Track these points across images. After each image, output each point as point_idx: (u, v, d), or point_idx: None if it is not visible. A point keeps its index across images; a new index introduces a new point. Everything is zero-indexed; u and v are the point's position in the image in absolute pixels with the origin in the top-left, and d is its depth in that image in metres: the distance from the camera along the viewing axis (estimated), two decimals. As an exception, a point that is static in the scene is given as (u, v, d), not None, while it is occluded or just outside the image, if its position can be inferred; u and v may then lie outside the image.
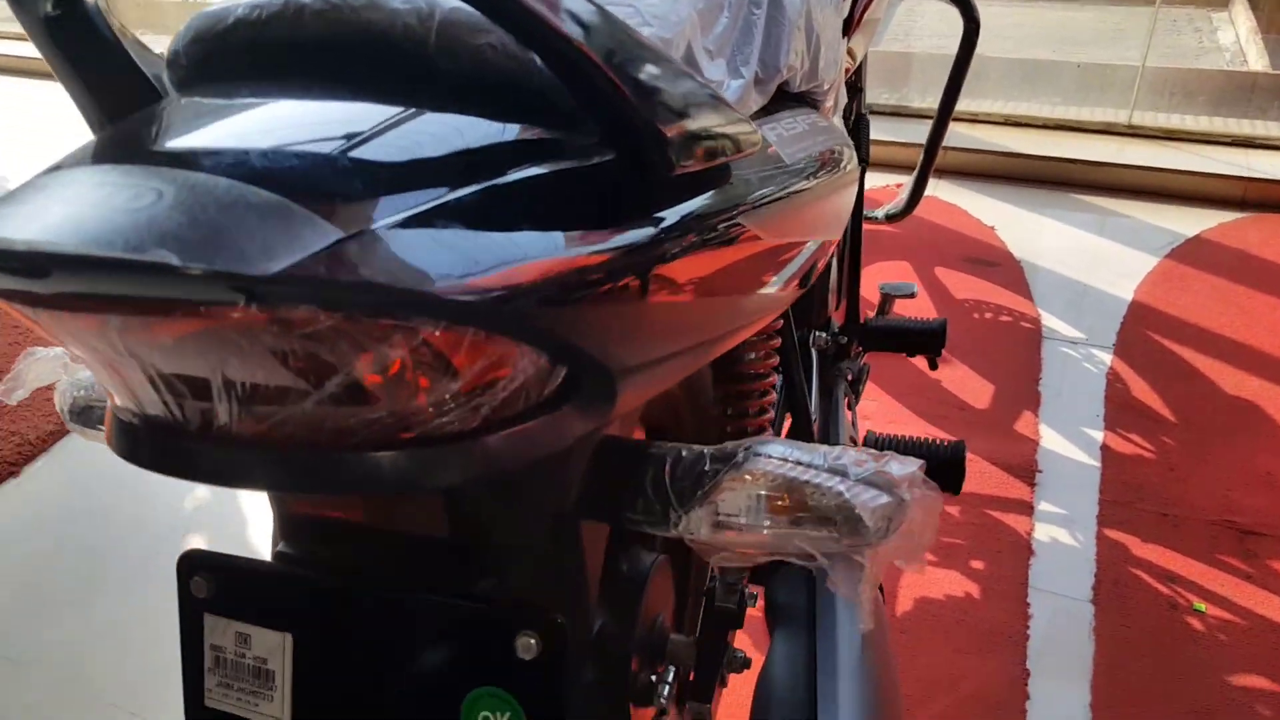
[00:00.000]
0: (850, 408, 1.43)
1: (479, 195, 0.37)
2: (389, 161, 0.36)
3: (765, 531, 0.48)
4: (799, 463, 0.49)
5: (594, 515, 0.51)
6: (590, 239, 0.39)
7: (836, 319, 1.44)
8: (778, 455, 0.49)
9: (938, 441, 1.03)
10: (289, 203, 0.32)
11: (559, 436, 0.42)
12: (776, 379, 0.89)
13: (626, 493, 0.50)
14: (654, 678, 0.60)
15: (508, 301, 0.35)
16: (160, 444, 0.38)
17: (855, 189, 0.77)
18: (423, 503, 0.49)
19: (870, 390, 1.97)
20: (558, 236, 0.38)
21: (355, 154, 0.36)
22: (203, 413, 0.37)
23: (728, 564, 0.48)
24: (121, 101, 0.47)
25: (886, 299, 1.66)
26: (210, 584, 0.51)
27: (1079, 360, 2.06)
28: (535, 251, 0.37)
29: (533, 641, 0.46)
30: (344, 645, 0.50)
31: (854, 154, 0.77)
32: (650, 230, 0.43)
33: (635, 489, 0.50)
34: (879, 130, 3.04)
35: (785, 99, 0.70)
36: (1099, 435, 1.83)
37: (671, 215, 0.44)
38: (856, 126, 1.39)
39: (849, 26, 1.18)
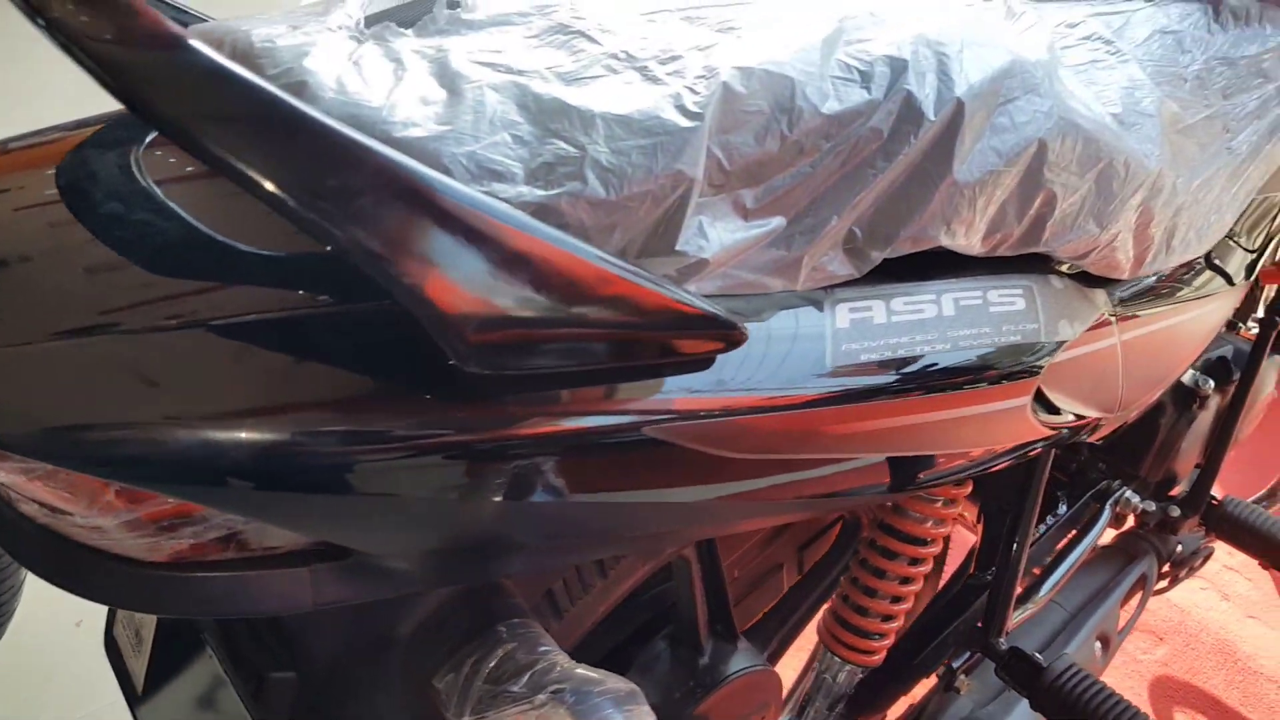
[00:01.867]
0: (1146, 596, 1.09)
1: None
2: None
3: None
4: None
5: (410, 655, 0.44)
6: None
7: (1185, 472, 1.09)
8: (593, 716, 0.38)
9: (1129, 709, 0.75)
10: None
11: (293, 597, 0.36)
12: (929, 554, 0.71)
13: (446, 656, 0.43)
14: None
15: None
16: None
17: (1021, 400, 0.56)
18: None
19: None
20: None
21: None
22: None
23: None
24: None
25: None
26: None
27: None
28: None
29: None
30: (179, 653, 0.50)
31: (1042, 352, 0.56)
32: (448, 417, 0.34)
33: (455, 660, 0.42)
34: None
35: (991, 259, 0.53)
36: None
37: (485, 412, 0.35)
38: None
39: None
